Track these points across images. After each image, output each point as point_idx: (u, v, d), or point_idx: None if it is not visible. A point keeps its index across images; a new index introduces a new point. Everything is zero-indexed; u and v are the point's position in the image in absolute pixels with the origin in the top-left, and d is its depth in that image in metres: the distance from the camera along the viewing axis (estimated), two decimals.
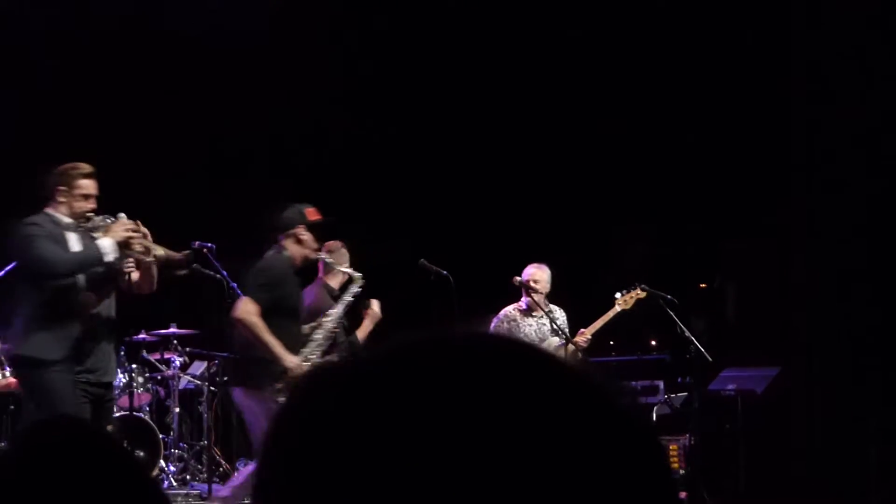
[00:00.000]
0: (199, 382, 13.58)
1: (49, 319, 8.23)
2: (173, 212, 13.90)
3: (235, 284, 10.72)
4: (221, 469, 12.88)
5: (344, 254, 10.89)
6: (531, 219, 14.96)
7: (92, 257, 8.22)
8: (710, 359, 10.98)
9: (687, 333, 10.91)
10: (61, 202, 8.38)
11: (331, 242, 10.95)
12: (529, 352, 1.11)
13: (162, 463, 12.45)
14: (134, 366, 12.59)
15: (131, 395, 12.23)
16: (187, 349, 13.48)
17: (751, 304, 13.98)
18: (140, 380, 12.64)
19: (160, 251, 8.46)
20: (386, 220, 14.51)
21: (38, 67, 13.90)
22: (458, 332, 1.14)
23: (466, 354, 1.09)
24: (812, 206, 13.28)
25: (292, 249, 9.00)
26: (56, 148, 13.64)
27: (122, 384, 12.29)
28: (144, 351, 13.39)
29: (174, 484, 12.43)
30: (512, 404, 1.04)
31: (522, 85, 15.50)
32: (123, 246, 8.29)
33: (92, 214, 8.42)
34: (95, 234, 8.35)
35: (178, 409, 13.23)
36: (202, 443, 13.18)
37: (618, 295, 10.24)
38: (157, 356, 13.50)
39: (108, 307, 8.56)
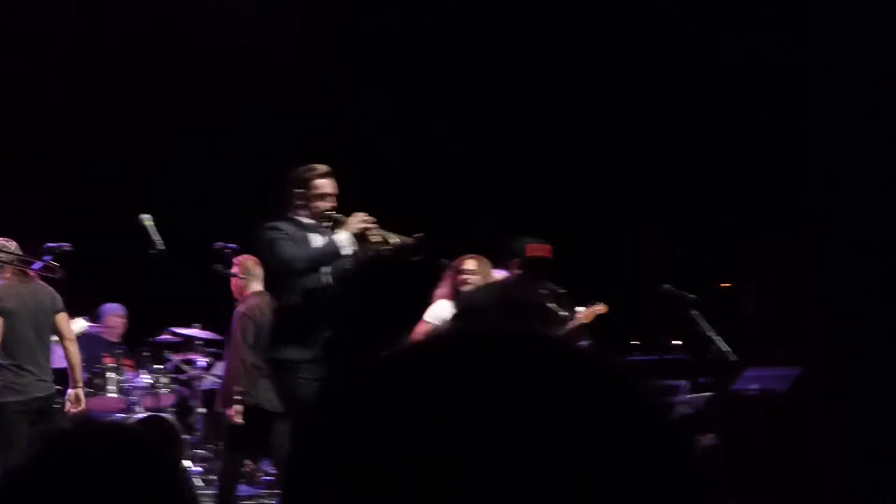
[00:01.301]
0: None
1: (298, 321, 8.39)
2: (195, 213, 13.96)
3: None
4: (246, 469, 12.89)
5: (257, 272, 11.02)
6: (547, 217, 14.96)
7: (329, 252, 8.40)
8: (733, 358, 10.95)
9: (709, 333, 10.89)
10: (301, 204, 8.58)
11: (243, 257, 11.05)
12: (558, 346, 1.11)
13: (186, 463, 12.47)
14: (158, 366, 12.61)
15: (155, 395, 12.27)
16: (211, 350, 13.50)
17: (770, 303, 13.97)
18: (164, 380, 12.66)
19: (396, 239, 8.56)
20: (403, 218, 14.54)
21: (66, 73, 13.94)
22: (487, 328, 1.14)
23: (492, 348, 1.09)
24: (828, 204, 13.23)
25: (512, 277, 9.08)
26: (80, 160, 13.76)
27: (145, 385, 12.33)
28: (168, 351, 13.41)
29: (199, 484, 12.45)
30: (539, 399, 1.04)
31: (537, 85, 15.50)
32: (361, 238, 8.43)
33: (332, 213, 8.57)
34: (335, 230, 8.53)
35: (201, 410, 13.24)
36: None
37: (580, 308, 10.23)
38: (181, 357, 13.52)
39: None
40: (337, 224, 8.55)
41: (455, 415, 1.03)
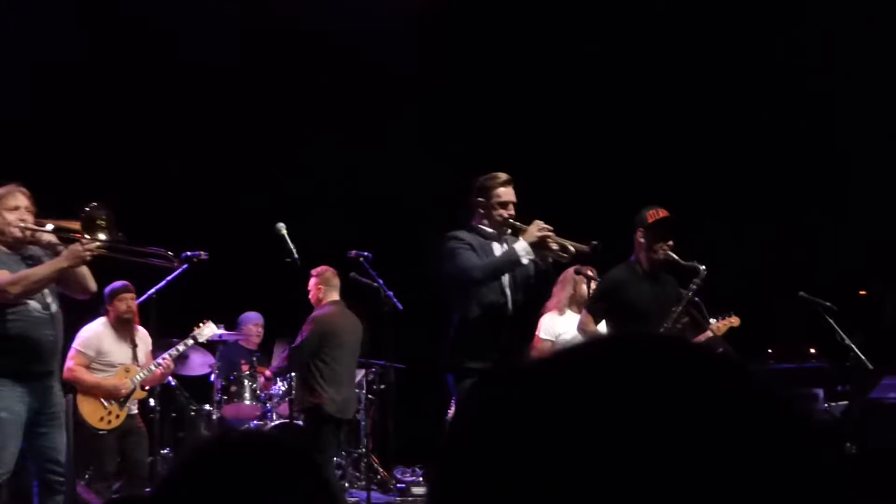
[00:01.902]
0: (356, 390, 13.66)
1: (479, 330, 8.46)
2: (330, 222, 14.08)
3: (392, 293, 10.83)
4: (379, 477, 12.97)
5: (335, 282, 11.27)
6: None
7: (508, 261, 8.43)
8: (870, 367, 10.80)
9: (846, 341, 10.74)
10: (482, 213, 8.67)
11: (323, 268, 11.27)
12: (710, 356, 1.11)
13: None
14: (293, 374, 12.72)
15: (290, 402, 12.38)
16: None
17: None
18: None
19: (571, 247, 8.58)
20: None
21: (201, 83, 14.13)
22: (636, 335, 1.13)
23: (642, 356, 1.09)
24: None
25: (639, 254, 9.14)
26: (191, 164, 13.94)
27: (281, 392, 12.44)
28: None
29: None
30: (689, 408, 1.04)
31: (651, 91, 15.44)
32: (540, 246, 8.44)
33: (511, 220, 8.60)
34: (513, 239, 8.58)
35: None
36: (360, 450, 13.27)
37: (713, 321, 10.08)
38: None
39: None
40: (516, 232, 8.55)
41: (606, 421, 1.03)
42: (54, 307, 8.31)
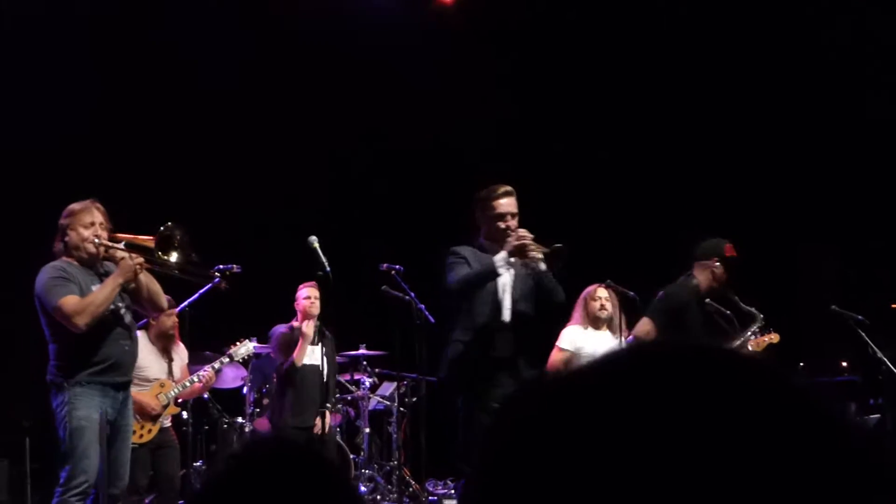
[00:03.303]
0: (388, 403, 13.66)
1: (470, 343, 8.48)
2: (359, 236, 14.08)
3: (423, 306, 10.83)
4: (411, 489, 12.96)
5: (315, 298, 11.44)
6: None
7: (484, 272, 8.43)
8: None
9: (879, 354, 10.70)
10: (483, 226, 8.68)
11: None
12: (754, 366, 1.10)
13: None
14: None
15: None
16: (377, 370, 13.59)
17: None
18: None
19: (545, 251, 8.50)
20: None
21: (235, 100, 14.18)
22: (668, 343, 1.13)
23: (684, 365, 1.09)
24: None
25: (701, 278, 9.13)
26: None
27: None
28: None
29: None
30: (735, 417, 1.03)
31: (707, 109, 15.39)
32: (519, 254, 8.42)
33: (510, 232, 8.54)
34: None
35: (368, 430, 13.33)
36: (392, 463, 13.26)
37: (752, 337, 10.05)
38: (347, 377, 13.63)
39: None
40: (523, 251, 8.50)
41: (644, 430, 1.03)
42: (128, 318, 8.42)
